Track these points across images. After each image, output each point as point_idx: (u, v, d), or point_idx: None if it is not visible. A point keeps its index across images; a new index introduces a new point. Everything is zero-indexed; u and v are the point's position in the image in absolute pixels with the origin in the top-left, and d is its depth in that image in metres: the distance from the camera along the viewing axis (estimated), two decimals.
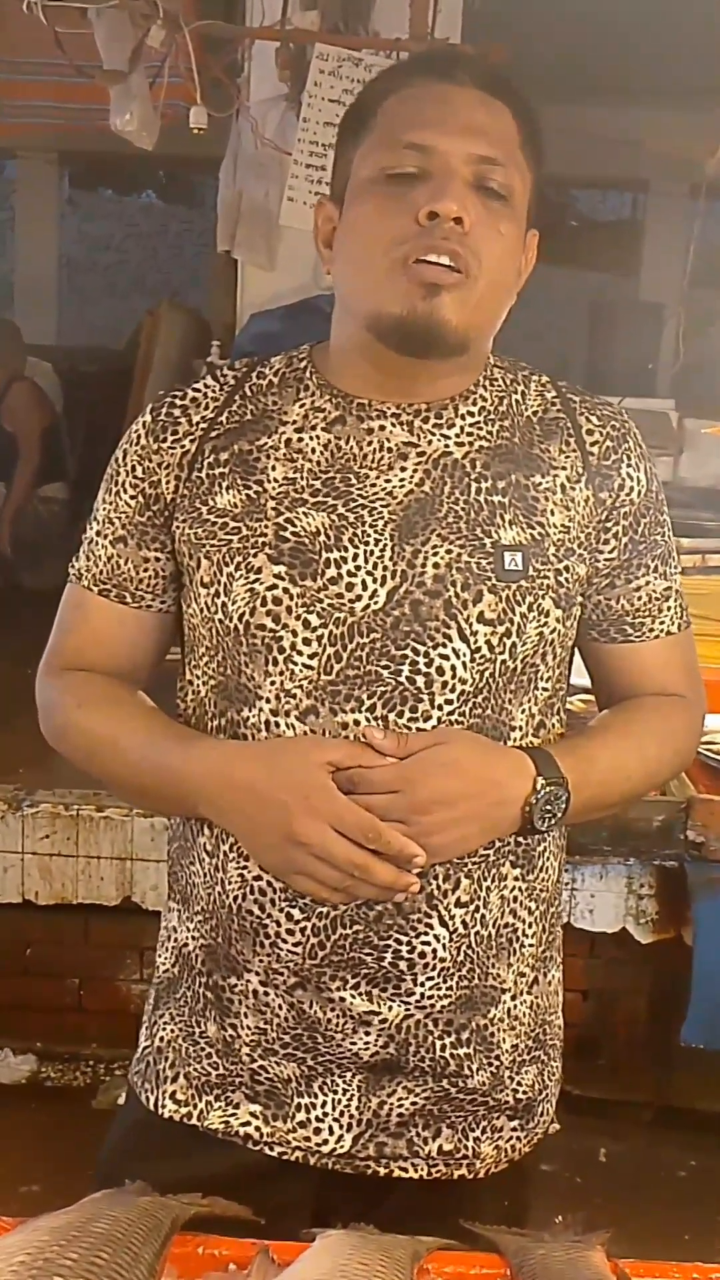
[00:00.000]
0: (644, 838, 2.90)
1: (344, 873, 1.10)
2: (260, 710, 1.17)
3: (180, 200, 9.49)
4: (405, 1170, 1.24)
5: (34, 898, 3.05)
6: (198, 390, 1.25)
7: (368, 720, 1.14)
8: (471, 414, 1.21)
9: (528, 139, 1.19)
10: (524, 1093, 1.27)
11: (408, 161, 1.14)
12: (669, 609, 1.28)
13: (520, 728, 1.20)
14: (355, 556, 1.16)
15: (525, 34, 4.24)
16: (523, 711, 1.20)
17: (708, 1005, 2.70)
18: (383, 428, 1.19)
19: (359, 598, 1.15)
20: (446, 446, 1.20)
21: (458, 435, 1.20)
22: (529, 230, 1.22)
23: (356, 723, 1.14)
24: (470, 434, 1.20)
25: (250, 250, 4.15)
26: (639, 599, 1.26)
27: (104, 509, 1.27)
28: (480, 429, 1.21)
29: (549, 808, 1.16)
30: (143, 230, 9.67)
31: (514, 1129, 1.28)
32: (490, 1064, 1.24)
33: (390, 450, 1.19)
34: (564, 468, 1.21)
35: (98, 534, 1.27)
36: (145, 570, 1.26)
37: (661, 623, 1.28)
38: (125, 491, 1.25)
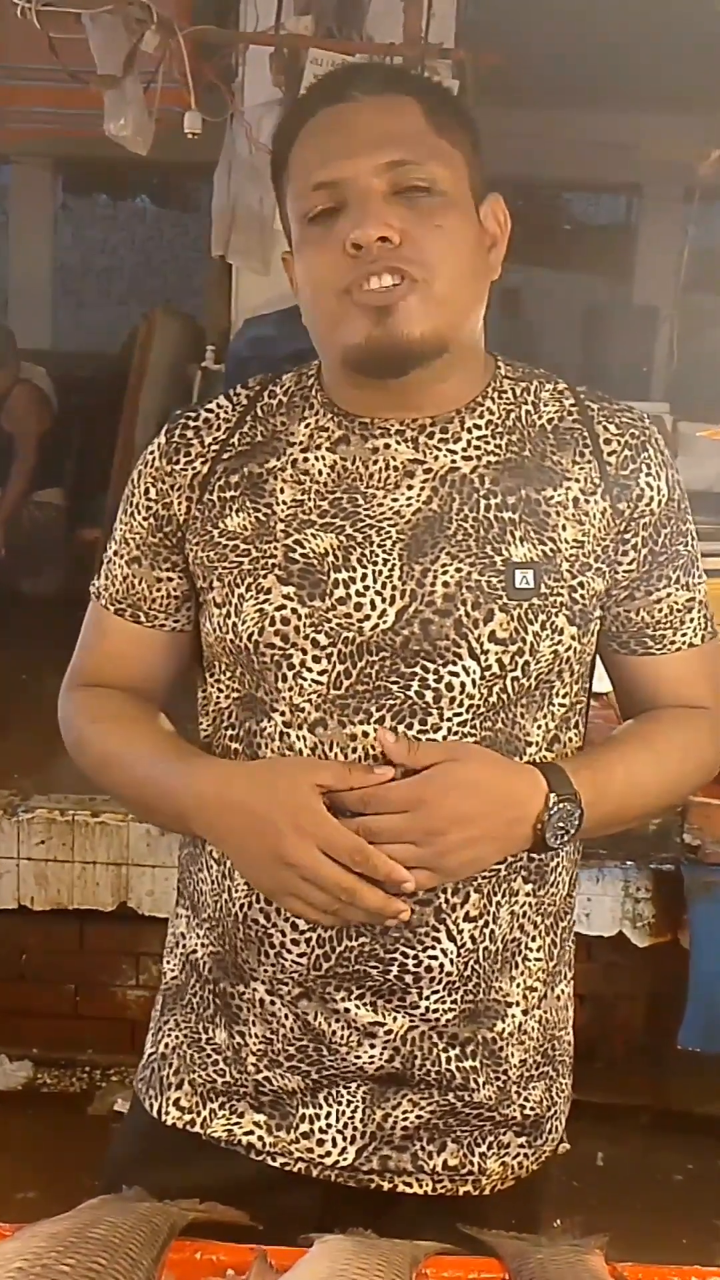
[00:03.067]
0: (640, 841, 2.90)
1: (332, 896, 1.09)
2: (274, 722, 1.17)
3: (174, 205, 9.48)
4: (409, 1185, 1.23)
5: (30, 904, 3.05)
6: (210, 411, 1.25)
7: (376, 731, 1.14)
8: (478, 427, 1.20)
9: (444, 118, 1.17)
10: (532, 1109, 1.26)
11: (322, 201, 1.14)
12: (692, 620, 1.26)
13: (536, 742, 1.19)
14: (364, 576, 1.15)
15: (519, 39, 4.25)
16: (538, 726, 1.19)
17: (704, 1008, 2.70)
18: (387, 445, 1.19)
19: (367, 617, 1.15)
20: (453, 462, 1.18)
21: (464, 450, 1.19)
22: (488, 198, 1.20)
23: (365, 734, 1.14)
24: (478, 448, 1.19)
25: (244, 255, 4.15)
26: (660, 611, 1.24)
27: (120, 529, 1.28)
28: (488, 443, 1.20)
29: (562, 825, 1.14)
30: (137, 235, 9.65)
31: (521, 1145, 1.26)
32: (497, 1078, 1.23)
33: (396, 468, 1.18)
34: (578, 480, 1.20)
35: (115, 553, 1.28)
36: (159, 590, 1.26)
37: (684, 635, 1.26)
38: (140, 513, 1.25)
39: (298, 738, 1.16)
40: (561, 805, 1.14)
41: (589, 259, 7.74)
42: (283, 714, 1.16)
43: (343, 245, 1.12)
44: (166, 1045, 1.29)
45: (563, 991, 1.30)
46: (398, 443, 1.19)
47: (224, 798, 1.14)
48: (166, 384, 5.27)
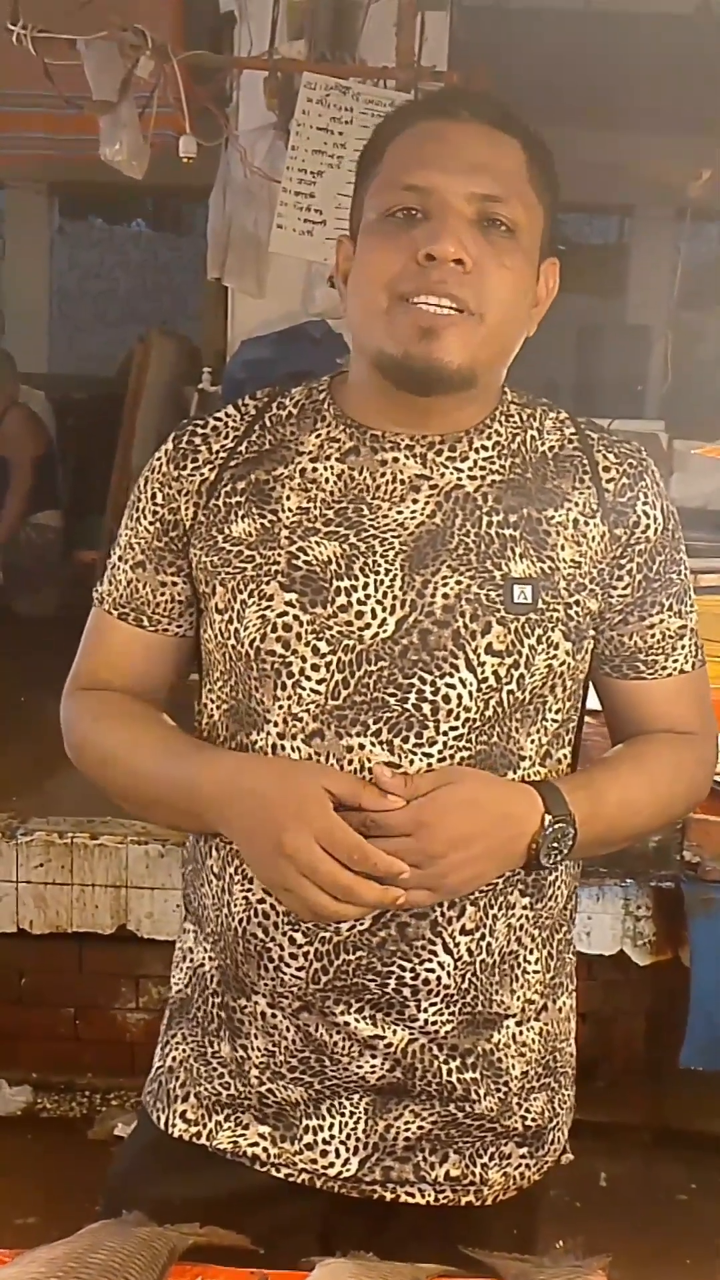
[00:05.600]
0: (640, 859, 2.90)
1: (329, 894, 1.09)
2: (268, 734, 1.17)
3: (170, 229, 9.52)
4: (412, 1195, 1.23)
5: (28, 927, 3.04)
6: (219, 419, 1.26)
7: (373, 744, 1.14)
8: (485, 448, 1.22)
9: (537, 170, 1.19)
10: (533, 1120, 1.27)
11: (407, 201, 1.15)
12: (683, 647, 1.28)
13: (530, 757, 1.20)
14: (365, 585, 1.17)
15: (510, 61, 4.28)
16: (531, 741, 1.20)
17: (706, 1027, 2.69)
18: (396, 459, 1.20)
19: (368, 626, 1.16)
20: (459, 479, 1.20)
21: (470, 469, 1.21)
22: (546, 259, 1.23)
23: (362, 747, 1.14)
24: (483, 468, 1.21)
25: (240, 278, 4.17)
26: (653, 636, 1.26)
27: (125, 534, 1.29)
28: (493, 463, 1.22)
29: (556, 844, 1.16)
30: (133, 259, 9.69)
31: (523, 1156, 1.27)
32: (499, 1089, 1.24)
33: (403, 482, 1.20)
34: (577, 503, 1.22)
35: (119, 559, 1.29)
36: (163, 595, 1.27)
37: (675, 660, 1.28)
38: (145, 517, 1.26)
39: (292, 749, 1.16)
40: (557, 825, 1.15)
41: (582, 278, 7.76)
42: (277, 725, 1.17)
43: (414, 252, 1.14)
44: (174, 1058, 1.29)
45: (564, 1004, 1.31)
46: (407, 457, 1.20)
47: (239, 786, 1.14)
48: (163, 406, 5.29)
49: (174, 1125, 1.27)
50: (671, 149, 5.19)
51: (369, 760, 1.14)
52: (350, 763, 1.14)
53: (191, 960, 1.29)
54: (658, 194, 6.01)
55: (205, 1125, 1.25)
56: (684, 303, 5.68)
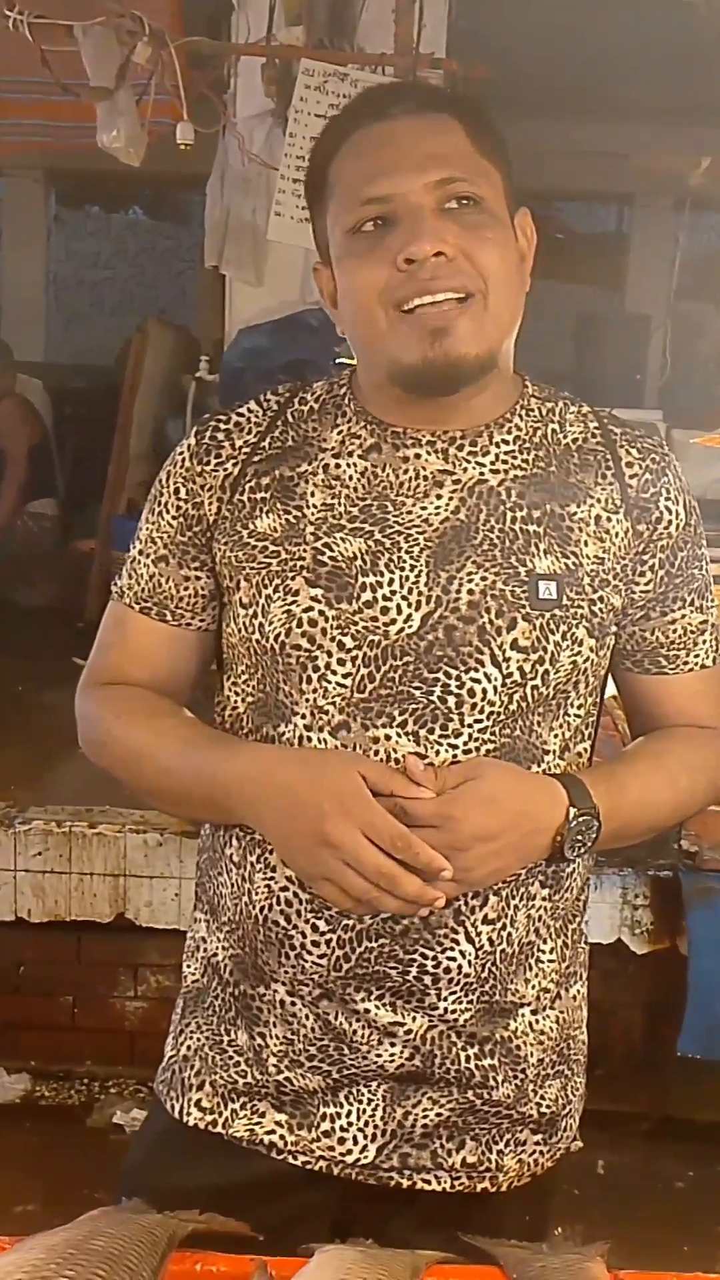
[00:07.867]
0: (638, 848, 2.89)
1: (370, 882, 1.10)
2: (294, 726, 1.18)
3: (167, 217, 9.49)
4: (428, 1182, 1.24)
5: (27, 915, 3.05)
6: (241, 415, 1.26)
7: (399, 736, 1.15)
8: (506, 442, 1.22)
9: (482, 139, 1.19)
10: (548, 1106, 1.28)
11: (370, 214, 1.16)
12: (704, 642, 1.29)
13: (552, 751, 1.21)
14: (391, 581, 1.17)
15: (510, 50, 4.27)
16: (554, 735, 1.21)
17: (703, 1015, 2.70)
18: (418, 455, 1.21)
19: (393, 621, 1.16)
20: (482, 474, 1.21)
21: (493, 463, 1.21)
22: (518, 212, 1.22)
23: (388, 738, 1.15)
24: (505, 462, 1.21)
25: (238, 266, 4.17)
26: (674, 631, 1.27)
27: (146, 528, 1.29)
28: (515, 458, 1.22)
29: (580, 837, 1.17)
30: (130, 247, 9.67)
31: (537, 1143, 1.28)
32: (515, 1076, 1.25)
33: (426, 478, 1.20)
34: (600, 499, 1.22)
35: (140, 553, 1.29)
36: (186, 589, 1.27)
37: (696, 656, 1.29)
38: (168, 512, 1.26)
39: (319, 740, 1.17)
40: (582, 818, 1.16)
41: (581, 268, 7.76)
42: (304, 717, 1.17)
43: (394, 259, 1.14)
44: (188, 1047, 1.29)
45: (578, 992, 1.32)
46: (428, 453, 1.21)
47: (270, 779, 1.15)
48: (160, 395, 5.29)
49: (189, 1113, 1.27)
50: (671, 138, 5.18)
51: (395, 751, 1.15)
52: (376, 754, 1.15)
53: (205, 950, 1.29)
54: (658, 183, 6.00)
55: (221, 1113, 1.26)
56: (683, 292, 5.69)
